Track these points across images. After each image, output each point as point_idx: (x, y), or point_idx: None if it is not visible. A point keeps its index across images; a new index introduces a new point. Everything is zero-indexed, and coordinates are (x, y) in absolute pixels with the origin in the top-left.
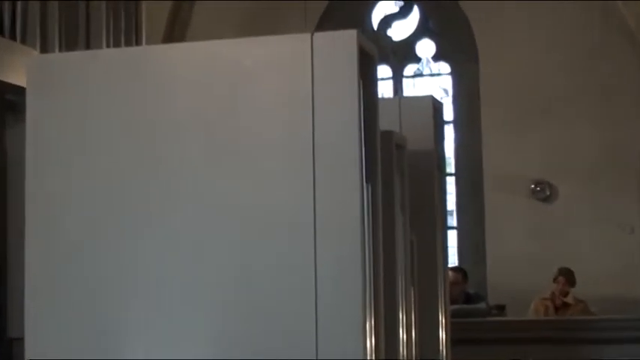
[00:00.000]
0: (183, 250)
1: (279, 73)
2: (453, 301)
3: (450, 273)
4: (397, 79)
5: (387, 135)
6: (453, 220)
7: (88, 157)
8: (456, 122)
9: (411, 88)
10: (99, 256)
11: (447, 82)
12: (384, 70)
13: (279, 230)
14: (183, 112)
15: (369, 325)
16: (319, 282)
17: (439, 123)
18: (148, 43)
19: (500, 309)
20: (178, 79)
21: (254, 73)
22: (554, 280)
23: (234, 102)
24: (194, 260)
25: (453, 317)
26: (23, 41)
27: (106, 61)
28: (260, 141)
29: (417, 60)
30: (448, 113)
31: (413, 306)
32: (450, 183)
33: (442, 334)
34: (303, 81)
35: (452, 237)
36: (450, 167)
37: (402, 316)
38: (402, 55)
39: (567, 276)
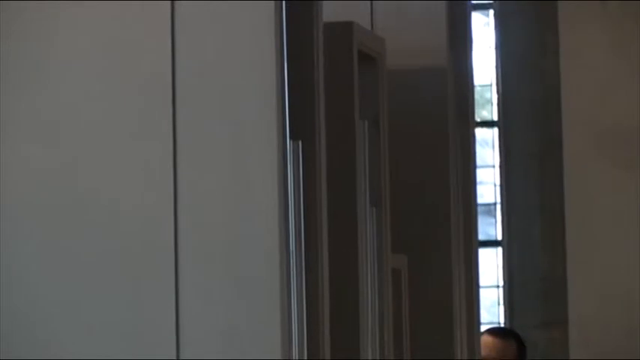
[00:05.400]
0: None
1: None
2: None
3: (489, 339)
4: None
5: (343, 30)
6: (495, 228)
7: None
8: (501, 13)
9: None
10: None
11: None
12: None
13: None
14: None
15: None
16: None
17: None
18: None
19: None
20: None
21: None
22: None
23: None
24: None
25: None
26: None
27: None
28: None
29: None
30: None
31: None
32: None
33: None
34: None
35: (490, 258)
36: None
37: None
38: None
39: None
